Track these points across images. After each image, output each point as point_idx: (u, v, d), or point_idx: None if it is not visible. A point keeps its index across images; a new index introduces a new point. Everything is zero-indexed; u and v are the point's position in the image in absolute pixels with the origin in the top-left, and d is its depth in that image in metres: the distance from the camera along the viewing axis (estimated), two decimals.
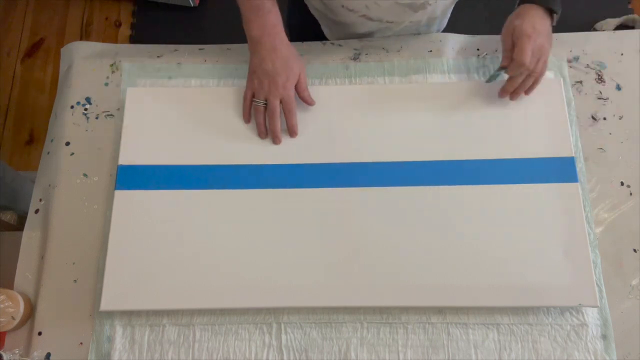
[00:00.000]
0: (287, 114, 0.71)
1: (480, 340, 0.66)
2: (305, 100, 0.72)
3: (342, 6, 0.77)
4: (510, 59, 0.68)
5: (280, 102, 0.70)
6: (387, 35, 0.83)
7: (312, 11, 0.86)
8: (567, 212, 0.67)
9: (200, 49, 0.82)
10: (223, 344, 0.66)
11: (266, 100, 0.70)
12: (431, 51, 0.80)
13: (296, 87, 0.71)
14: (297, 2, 0.87)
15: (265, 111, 0.71)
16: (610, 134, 0.75)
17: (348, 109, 0.74)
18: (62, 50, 0.83)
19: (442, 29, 0.90)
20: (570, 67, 0.79)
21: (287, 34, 0.71)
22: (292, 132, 0.72)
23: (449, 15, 0.90)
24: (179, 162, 0.71)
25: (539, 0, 0.68)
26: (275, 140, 0.71)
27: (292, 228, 0.68)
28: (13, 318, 0.65)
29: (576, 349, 0.65)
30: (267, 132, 0.72)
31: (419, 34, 0.82)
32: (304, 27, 0.90)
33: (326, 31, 0.88)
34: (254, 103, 0.71)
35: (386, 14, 0.78)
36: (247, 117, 0.73)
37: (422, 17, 0.79)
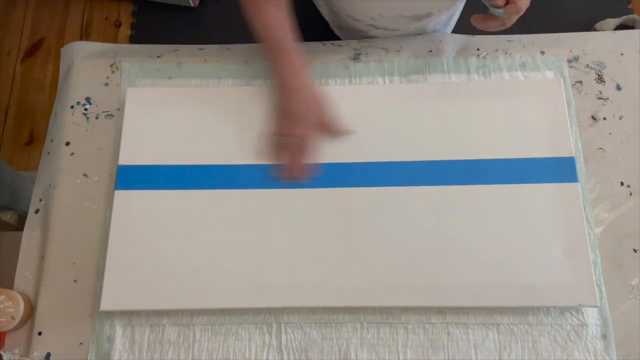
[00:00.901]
0: (298, 152, 0.70)
1: (480, 340, 0.66)
2: (341, 133, 0.72)
3: (348, 16, 0.78)
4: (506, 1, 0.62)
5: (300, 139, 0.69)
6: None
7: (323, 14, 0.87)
8: (567, 212, 0.67)
9: (200, 49, 0.82)
10: (223, 344, 0.66)
11: (289, 138, 0.69)
12: (431, 51, 0.80)
13: (324, 126, 0.71)
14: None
15: (286, 148, 0.70)
16: (610, 134, 0.75)
17: (348, 109, 0.74)
18: (62, 50, 0.83)
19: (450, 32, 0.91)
20: (570, 67, 0.79)
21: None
22: (296, 171, 0.70)
23: (456, 19, 0.90)
24: (179, 162, 0.71)
25: None
26: (297, 176, 0.70)
27: (292, 228, 0.68)
28: (13, 318, 0.65)
29: (576, 349, 0.65)
30: (291, 170, 0.70)
31: (419, 34, 0.82)
32: (307, 25, 0.90)
33: (336, 31, 0.89)
34: (277, 141, 0.70)
35: (391, 24, 0.78)
36: (272, 154, 0.71)
37: (427, 25, 0.80)
